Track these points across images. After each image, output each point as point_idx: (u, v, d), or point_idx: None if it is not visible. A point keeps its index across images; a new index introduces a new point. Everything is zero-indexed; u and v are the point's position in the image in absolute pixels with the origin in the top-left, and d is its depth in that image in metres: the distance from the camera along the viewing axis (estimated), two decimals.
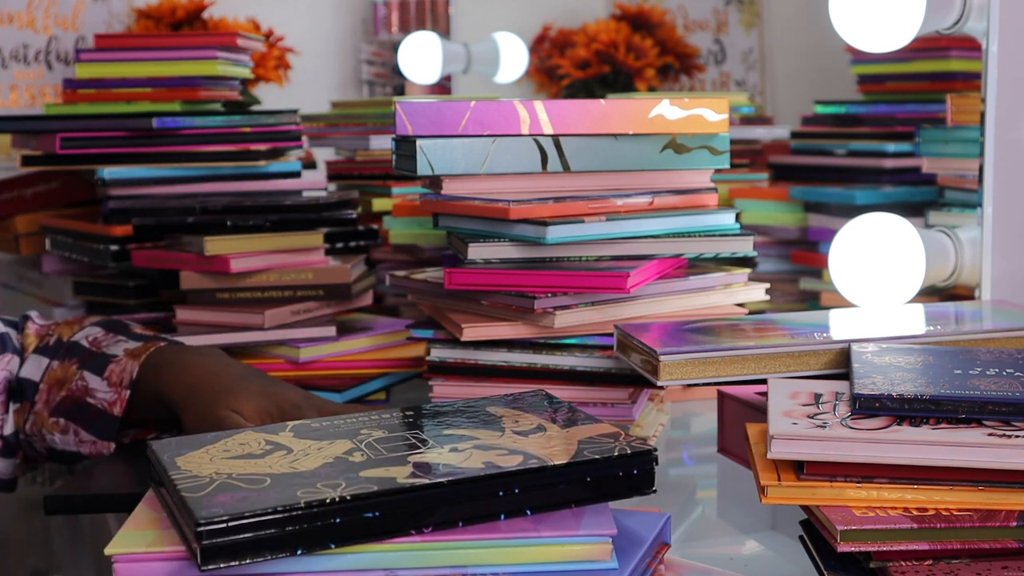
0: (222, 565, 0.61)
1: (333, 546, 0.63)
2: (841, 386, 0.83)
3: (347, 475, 0.67)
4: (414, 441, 0.73)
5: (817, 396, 0.80)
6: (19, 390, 1.01)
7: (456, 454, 0.70)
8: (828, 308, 1.14)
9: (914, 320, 1.01)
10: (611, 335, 0.99)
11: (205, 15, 2.09)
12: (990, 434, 0.71)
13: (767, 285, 1.12)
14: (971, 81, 1.48)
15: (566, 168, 1.04)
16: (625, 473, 0.69)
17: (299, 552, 0.63)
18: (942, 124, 1.37)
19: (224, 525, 0.61)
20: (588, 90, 2.25)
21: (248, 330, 1.18)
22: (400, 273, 1.15)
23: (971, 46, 1.39)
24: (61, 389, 0.99)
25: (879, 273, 1.20)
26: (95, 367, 0.99)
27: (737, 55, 2.36)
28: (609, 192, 1.05)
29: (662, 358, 0.87)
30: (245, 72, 1.49)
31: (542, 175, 1.05)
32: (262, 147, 1.33)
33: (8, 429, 1.00)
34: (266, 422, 0.90)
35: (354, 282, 1.24)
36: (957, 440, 0.71)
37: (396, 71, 2.44)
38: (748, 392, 0.95)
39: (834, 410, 0.77)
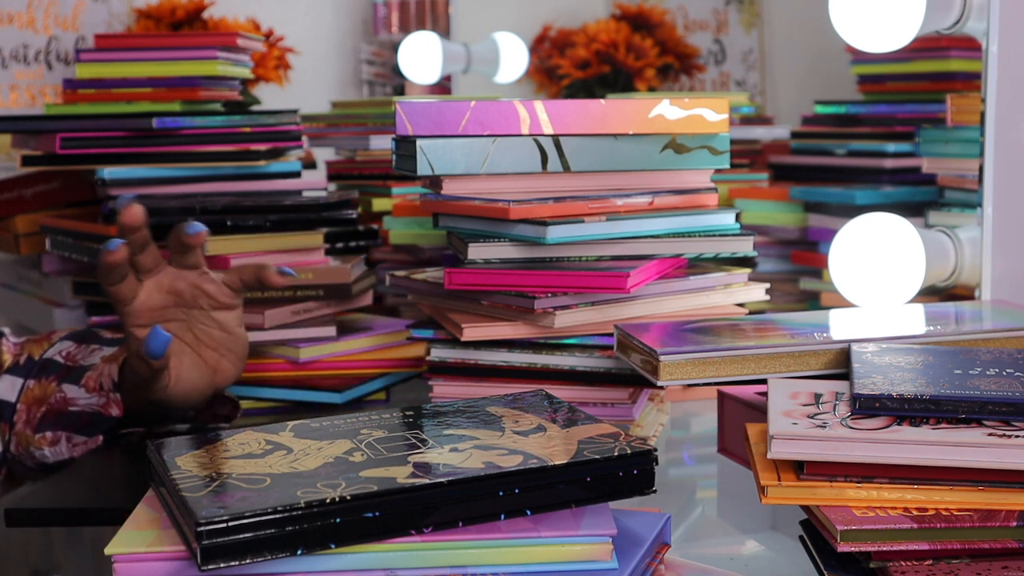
0: (222, 565, 0.61)
1: (333, 546, 0.63)
2: (841, 386, 0.83)
3: (347, 475, 0.67)
4: (414, 441, 0.73)
5: (817, 396, 0.80)
6: None
7: (456, 454, 0.70)
8: (828, 308, 1.14)
9: (914, 320, 1.01)
10: (611, 335, 0.99)
11: (205, 15, 2.09)
12: (990, 434, 0.71)
13: (767, 285, 1.12)
14: (971, 81, 1.48)
15: (566, 168, 1.04)
16: (625, 473, 0.69)
17: (299, 552, 0.63)
18: (942, 124, 1.37)
19: (224, 525, 0.61)
20: (588, 90, 2.24)
21: (248, 330, 1.17)
22: (400, 273, 1.15)
23: (971, 46, 1.40)
24: (41, 406, 0.99)
25: (879, 273, 1.20)
26: (73, 379, 0.99)
27: (737, 55, 2.36)
28: (609, 192, 1.05)
29: (662, 358, 0.87)
30: (245, 72, 1.49)
31: (542, 175, 1.05)
32: (262, 147, 1.33)
33: None
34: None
35: (354, 282, 1.24)
36: (957, 440, 0.71)
37: (396, 71, 2.44)
38: (748, 392, 0.95)
39: (834, 410, 0.77)
